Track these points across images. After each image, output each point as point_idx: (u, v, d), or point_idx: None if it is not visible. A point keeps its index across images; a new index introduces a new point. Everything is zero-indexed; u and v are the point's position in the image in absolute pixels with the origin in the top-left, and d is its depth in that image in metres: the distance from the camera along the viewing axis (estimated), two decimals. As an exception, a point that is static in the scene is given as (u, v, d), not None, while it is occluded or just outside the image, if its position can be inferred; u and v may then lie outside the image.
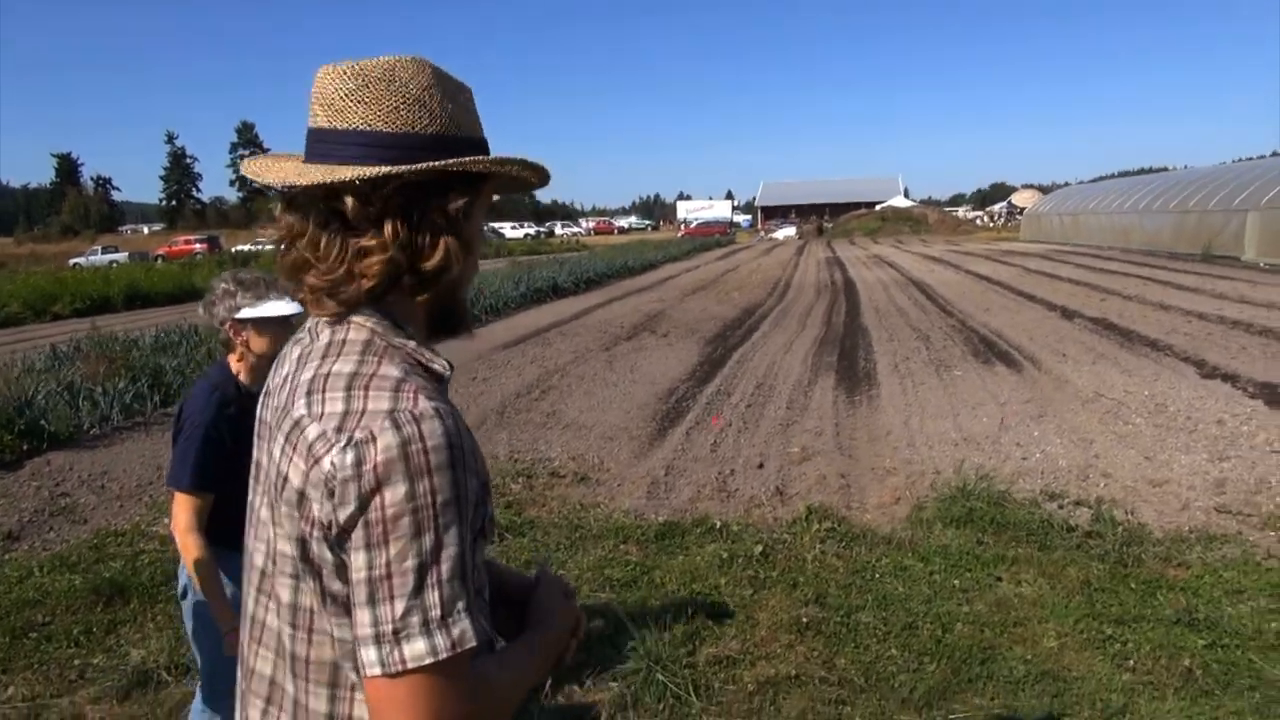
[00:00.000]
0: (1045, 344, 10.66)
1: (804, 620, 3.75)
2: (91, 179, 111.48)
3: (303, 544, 0.93)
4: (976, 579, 4.11)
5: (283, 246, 1.03)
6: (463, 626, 0.89)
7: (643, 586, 4.17)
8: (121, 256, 43.95)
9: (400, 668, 0.87)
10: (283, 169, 1.02)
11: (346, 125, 0.99)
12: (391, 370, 0.95)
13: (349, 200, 0.97)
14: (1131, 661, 3.38)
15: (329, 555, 0.92)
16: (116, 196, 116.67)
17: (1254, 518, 4.75)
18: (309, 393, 0.95)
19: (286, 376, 1.03)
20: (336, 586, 0.93)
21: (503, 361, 10.85)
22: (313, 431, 0.91)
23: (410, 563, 0.87)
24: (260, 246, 48.11)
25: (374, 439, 0.88)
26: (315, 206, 0.99)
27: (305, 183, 0.97)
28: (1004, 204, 76.71)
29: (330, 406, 0.92)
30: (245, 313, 2.44)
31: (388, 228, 0.98)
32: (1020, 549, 4.41)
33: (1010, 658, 3.44)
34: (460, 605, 0.90)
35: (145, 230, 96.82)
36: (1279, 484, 5.23)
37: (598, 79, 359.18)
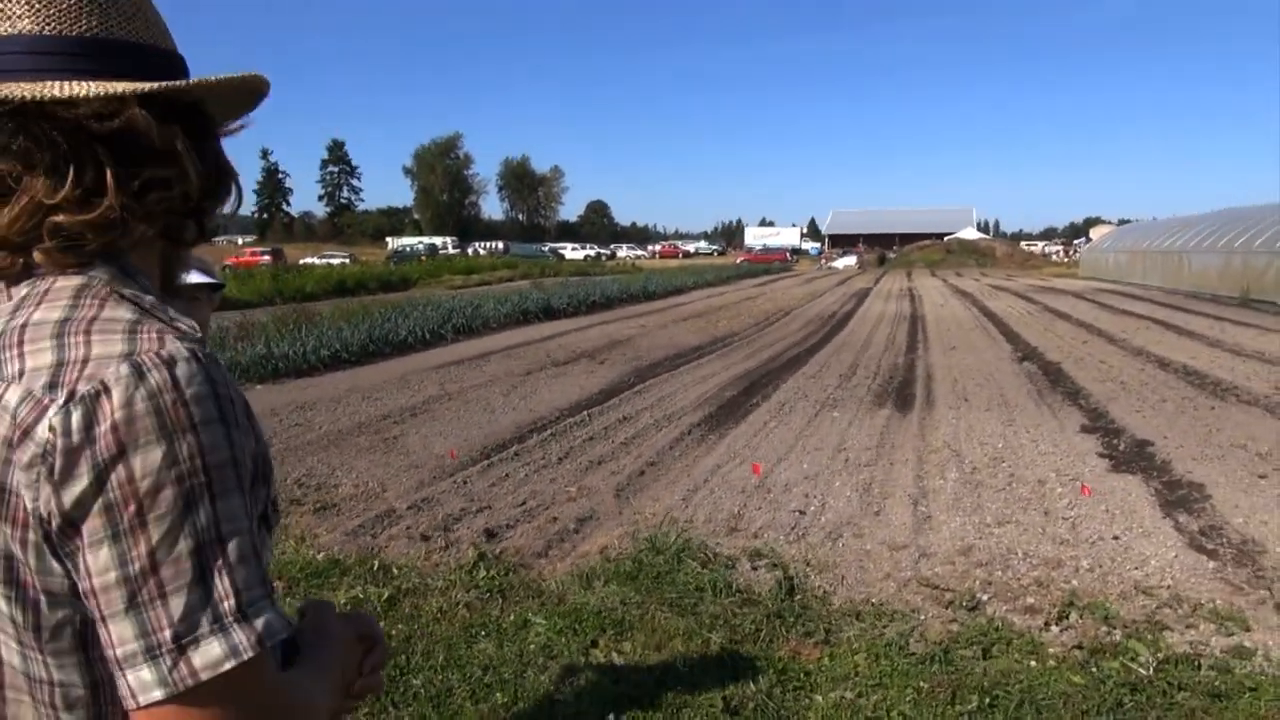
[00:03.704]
0: (966, 384, 10.08)
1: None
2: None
3: (8, 563, 0.70)
4: (579, 644, 3.79)
5: None
6: (267, 616, 0.70)
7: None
8: (188, 266, 45.81)
9: (191, 681, 0.66)
10: None
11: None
12: (121, 312, 0.74)
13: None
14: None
15: (54, 566, 0.69)
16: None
17: (951, 593, 4.29)
18: (1, 349, 0.72)
19: None
20: (61, 614, 0.71)
21: (415, 382, 10.84)
22: (11, 397, 0.69)
23: (184, 545, 0.67)
24: (327, 260, 49.79)
25: (106, 390, 0.67)
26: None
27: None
28: (1084, 239, 74.05)
29: (33, 361, 0.70)
30: None
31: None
32: (659, 610, 4.07)
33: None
34: (258, 591, 0.71)
35: (239, 241, 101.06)
36: (1027, 554, 4.75)
37: (682, 101, 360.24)
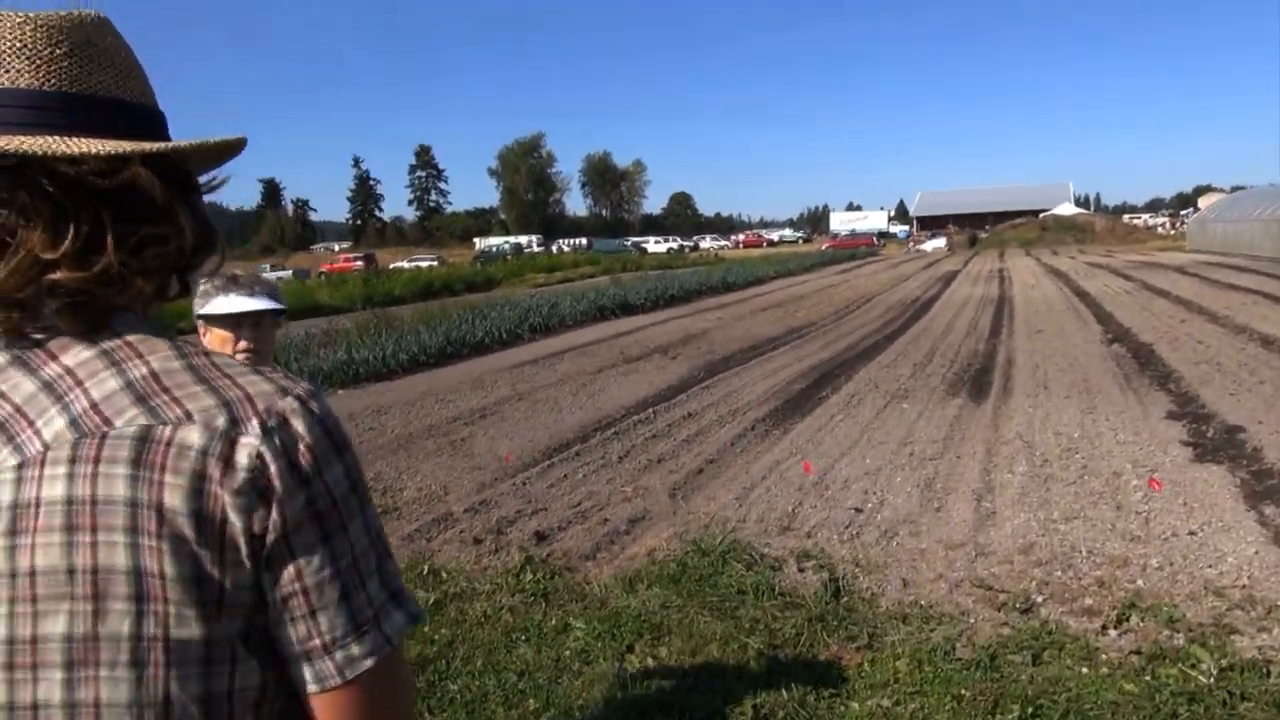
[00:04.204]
0: (1047, 370, 9.69)
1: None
2: (291, 201, 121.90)
3: (215, 588, 0.74)
4: (616, 648, 3.79)
5: None
6: (408, 591, 0.86)
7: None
8: (287, 274, 47.71)
9: (388, 647, 0.80)
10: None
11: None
12: (223, 360, 0.81)
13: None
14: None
15: (247, 581, 0.76)
16: (313, 217, 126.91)
17: (1005, 594, 4.12)
18: (139, 399, 0.74)
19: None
20: (232, 627, 0.76)
21: (488, 383, 11.02)
22: (192, 436, 0.73)
23: (367, 540, 0.81)
24: (415, 263, 51.15)
25: (287, 421, 0.76)
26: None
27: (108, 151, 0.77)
28: (1191, 210, 70.27)
29: (194, 403, 0.74)
30: (199, 310, 2.26)
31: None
32: (699, 614, 4.03)
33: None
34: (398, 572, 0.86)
35: (335, 248, 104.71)
36: (1091, 552, 4.53)
37: (763, 86, 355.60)
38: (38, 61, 0.78)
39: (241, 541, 0.74)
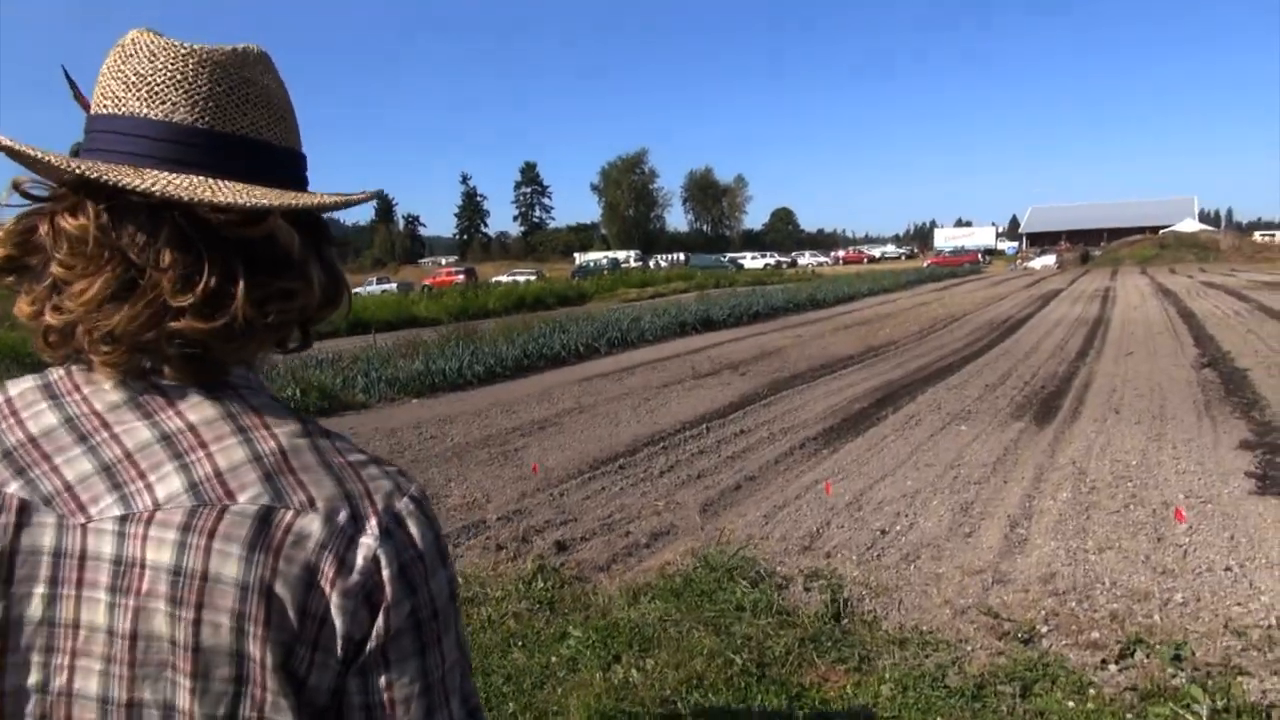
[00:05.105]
0: (1124, 394, 9.28)
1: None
2: (403, 217, 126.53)
3: (299, 683, 0.71)
4: (603, 658, 3.86)
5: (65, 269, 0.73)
6: (483, 709, 0.85)
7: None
8: (392, 287, 49.45)
9: None
10: (189, 183, 0.73)
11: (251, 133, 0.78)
12: (344, 443, 0.79)
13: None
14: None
15: (329, 687, 0.73)
16: (422, 232, 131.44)
17: (1010, 623, 4.01)
18: (266, 477, 0.72)
19: (114, 463, 0.73)
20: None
21: (555, 395, 11.24)
22: (313, 526, 0.71)
23: (457, 653, 0.78)
24: (514, 277, 52.34)
25: (402, 523, 0.74)
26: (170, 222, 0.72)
27: (285, 205, 0.74)
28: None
29: (317, 490, 0.73)
30: None
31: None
32: (694, 628, 4.06)
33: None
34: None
35: (441, 261, 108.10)
36: (1114, 584, 4.36)
37: (870, 99, 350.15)
38: (195, 97, 0.75)
39: (338, 644, 0.71)
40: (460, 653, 0.78)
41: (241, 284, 0.73)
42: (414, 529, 0.74)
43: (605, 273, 53.05)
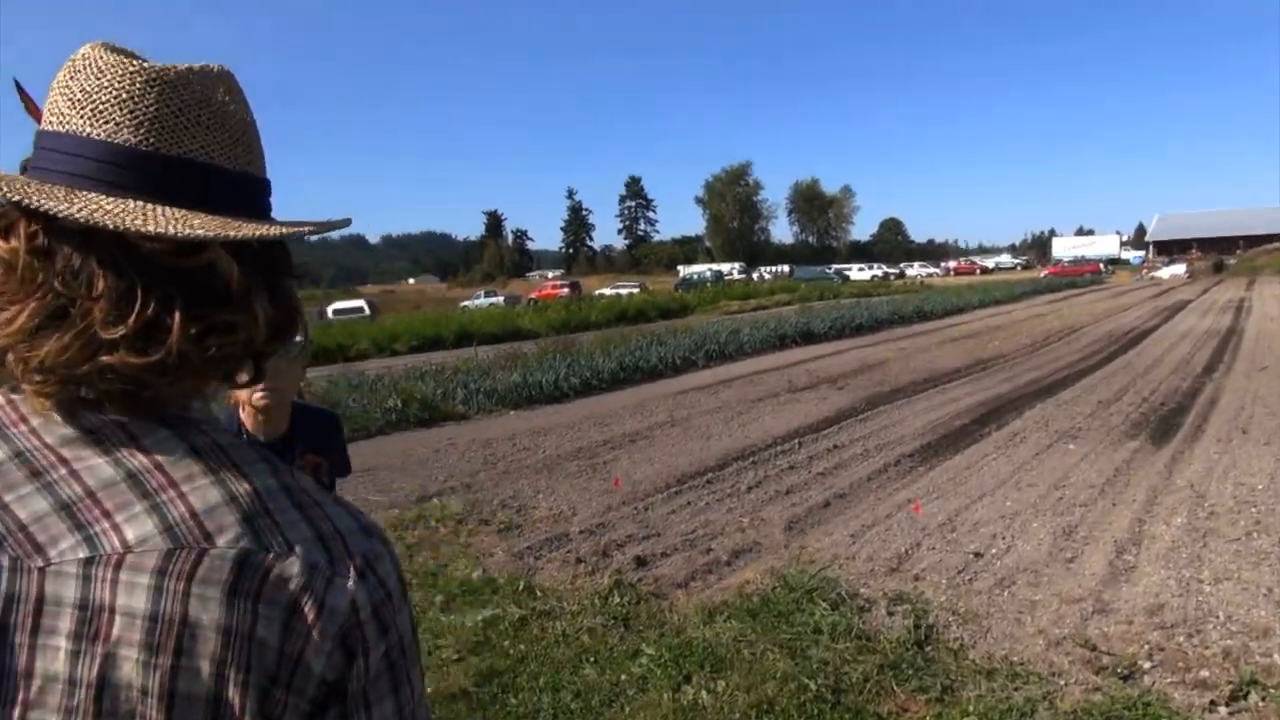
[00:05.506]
0: (1254, 412, 8.64)
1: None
2: (511, 231, 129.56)
3: None
4: (674, 678, 3.78)
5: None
6: None
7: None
8: (499, 300, 50.64)
9: None
10: (158, 214, 0.70)
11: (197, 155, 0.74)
12: (309, 482, 0.78)
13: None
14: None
15: None
16: (530, 246, 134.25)
17: (1110, 657, 3.74)
18: (245, 519, 0.69)
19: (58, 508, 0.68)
20: None
21: (650, 408, 11.25)
22: (292, 569, 0.69)
23: (421, 685, 0.78)
24: (617, 290, 52.82)
25: (372, 566, 0.74)
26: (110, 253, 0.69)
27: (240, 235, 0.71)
28: None
29: (294, 533, 0.71)
30: None
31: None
32: (768, 650, 3.94)
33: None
34: None
35: (548, 275, 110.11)
36: (1230, 619, 4.03)
37: (985, 105, 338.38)
38: (140, 117, 0.71)
39: (310, 686, 0.69)
40: (420, 686, 0.78)
41: (178, 316, 0.69)
42: (383, 569, 0.74)
43: (708, 285, 52.97)
